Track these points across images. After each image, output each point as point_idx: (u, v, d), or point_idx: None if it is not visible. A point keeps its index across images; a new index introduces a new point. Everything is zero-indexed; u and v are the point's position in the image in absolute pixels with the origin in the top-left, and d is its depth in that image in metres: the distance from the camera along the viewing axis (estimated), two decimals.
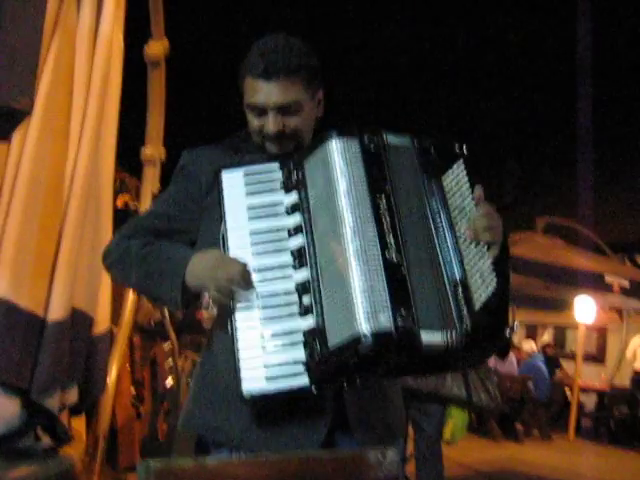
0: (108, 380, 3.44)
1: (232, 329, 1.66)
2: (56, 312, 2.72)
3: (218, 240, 1.77)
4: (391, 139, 1.80)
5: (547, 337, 15.98)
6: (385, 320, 1.54)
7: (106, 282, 3.13)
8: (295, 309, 1.68)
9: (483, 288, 1.73)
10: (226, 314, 1.72)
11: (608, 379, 12.72)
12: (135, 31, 3.43)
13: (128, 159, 4.67)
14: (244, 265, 1.67)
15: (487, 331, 1.70)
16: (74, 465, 2.97)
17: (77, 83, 2.84)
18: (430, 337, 1.61)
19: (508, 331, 1.74)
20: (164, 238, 1.90)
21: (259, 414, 1.75)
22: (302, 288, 1.68)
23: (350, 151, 1.71)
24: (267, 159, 1.88)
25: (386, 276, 1.59)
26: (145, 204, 4.10)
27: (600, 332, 15.24)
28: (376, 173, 1.71)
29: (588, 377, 12.60)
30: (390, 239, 1.64)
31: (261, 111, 1.88)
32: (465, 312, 1.68)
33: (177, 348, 5.62)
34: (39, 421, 2.79)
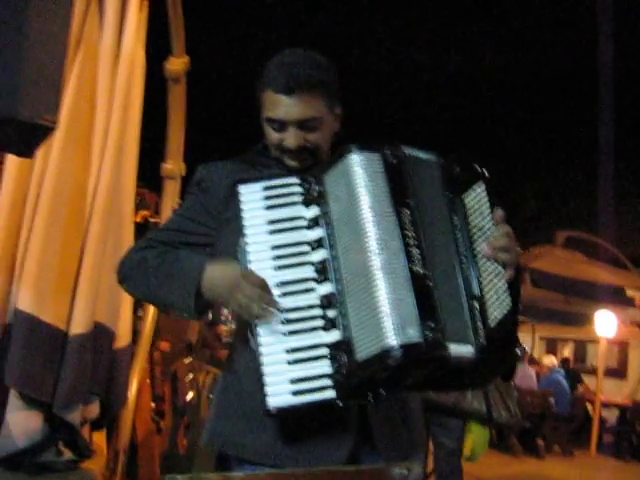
0: (129, 394, 3.44)
1: (255, 343, 1.65)
2: (78, 326, 2.74)
3: (237, 253, 1.75)
4: (412, 152, 1.79)
5: (567, 352, 15.84)
6: (414, 332, 1.54)
7: (128, 296, 3.14)
8: (319, 323, 1.66)
9: (497, 306, 1.73)
10: (248, 328, 1.71)
11: (630, 394, 12.57)
12: (156, 47, 3.46)
13: (147, 174, 4.70)
14: (264, 283, 1.66)
15: (499, 348, 1.71)
16: (95, 479, 2.97)
17: (100, 99, 2.87)
18: (457, 349, 1.61)
19: (519, 350, 1.75)
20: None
21: (283, 430, 1.74)
22: (326, 302, 1.67)
23: (372, 164, 1.70)
24: (286, 173, 1.86)
25: (413, 288, 1.59)
26: (165, 219, 4.11)
27: (621, 346, 15.07)
28: (399, 186, 1.70)
29: (610, 392, 12.46)
30: (415, 252, 1.64)
31: (281, 125, 1.87)
32: (480, 327, 1.68)
33: (198, 363, 5.63)
34: (61, 435, 2.80)
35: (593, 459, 10.33)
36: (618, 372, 15.01)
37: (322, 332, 1.65)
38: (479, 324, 1.68)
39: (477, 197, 1.84)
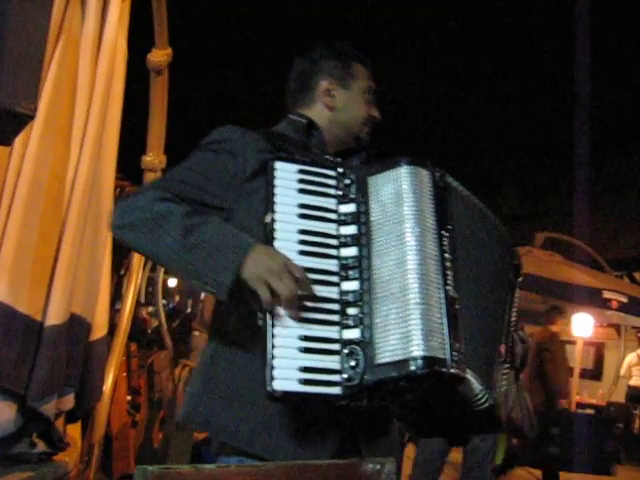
0: (104, 387, 3.42)
1: (266, 323, 1.57)
2: (54, 317, 2.71)
3: (259, 228, 1.69)
4: (455, 183, 1.81)
5: None
6: (441, 349, 1.54)
7: (105, 288, 3.12)
8: (335, 318, 1.62)
9: (506, 381, 1.85)
10: (256, 310, 1.62)
11: (605, 395, 12.69)
12: (139, 39, 3.44)
13: (127, 166, 4.66)
14: (304, 277, 1.59)
15: (494, 412, 1.75)
16: (69, 472, 2.95)
17: (80, 89, 2.85)
18: (473, 380, 1.63)
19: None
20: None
21: (271, 418, 1.69)
22: (349, 298, 1.63)
23: (421, 181, 1.70)
24: (321, 162, 1.81)
25: (445, 309, 1.59)
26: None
27: (598, 348, 15.22)
28: (442, 209, 1.71)
29: (585, 392, 12.57)
30: (450, 275, 1.64)
31: (373, 98, 2.03)
32: (495, 378, 1.76)
33: (174, 356, 5.62)
34: (35, 427, 2.77)
35: None
36: (594, 373, 15.16)
37: (337, 327, 1.61)
38: (494, 374, 1.75)
39: (517, 295, 2.03)
